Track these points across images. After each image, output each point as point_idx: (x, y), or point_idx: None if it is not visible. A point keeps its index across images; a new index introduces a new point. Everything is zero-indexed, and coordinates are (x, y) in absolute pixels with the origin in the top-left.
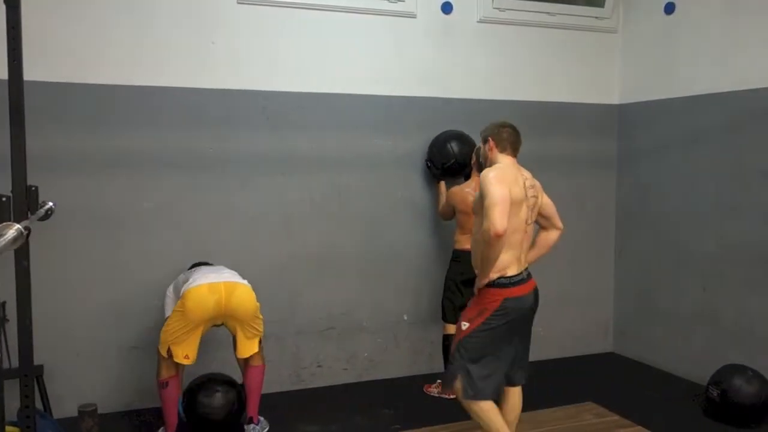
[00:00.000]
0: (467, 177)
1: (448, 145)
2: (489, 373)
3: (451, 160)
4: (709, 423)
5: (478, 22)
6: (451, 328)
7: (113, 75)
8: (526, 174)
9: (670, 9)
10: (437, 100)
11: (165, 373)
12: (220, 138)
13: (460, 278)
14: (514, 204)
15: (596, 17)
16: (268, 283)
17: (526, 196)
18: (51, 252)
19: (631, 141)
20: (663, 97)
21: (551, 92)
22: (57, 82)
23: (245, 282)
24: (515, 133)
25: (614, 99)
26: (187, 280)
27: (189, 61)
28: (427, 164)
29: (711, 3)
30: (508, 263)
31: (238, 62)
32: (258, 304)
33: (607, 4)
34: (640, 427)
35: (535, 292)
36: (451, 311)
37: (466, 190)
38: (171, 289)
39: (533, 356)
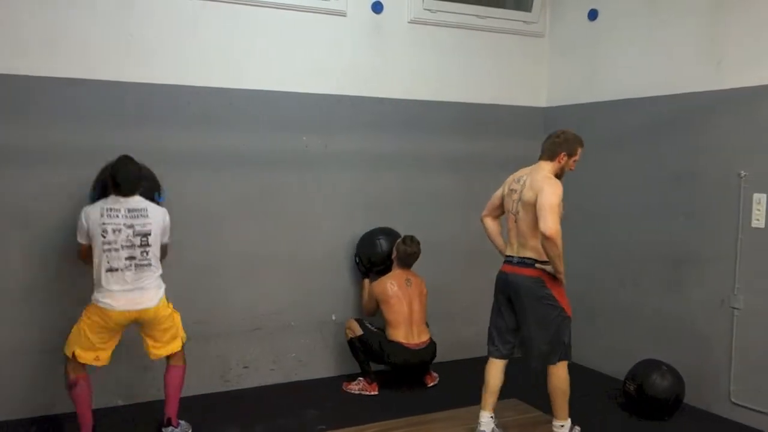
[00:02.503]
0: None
1: (378, 242)
2: (489, 334)
3: (379, 257)
4: (626, 416)
5: (408, 22)
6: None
7: (28, 67)
8: (526, 171)
9: (593, 15)
10: (368, 100)
11: (72, 373)
12: (141, 134)
13: (385, 353)
14: (505, 198)
15: (524, 21)
16: (193, 284)
17: (510, 191)
18: None
19: None
20: (587, 101)
21: (481, 94)
22: None
23: (158, 296)
24: (547, 138)
25: (542, 102)
26: (98, 272)
27: (107, 54)
28: (355, 260)
29: (632, 11)
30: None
31: (159, 56)
32: (173, 312)
33: (534, 8)
34: None
35: (518, 277)
36: (361, 350)
37: (387, 282)
38: (82, 217)
39: (462, 354)
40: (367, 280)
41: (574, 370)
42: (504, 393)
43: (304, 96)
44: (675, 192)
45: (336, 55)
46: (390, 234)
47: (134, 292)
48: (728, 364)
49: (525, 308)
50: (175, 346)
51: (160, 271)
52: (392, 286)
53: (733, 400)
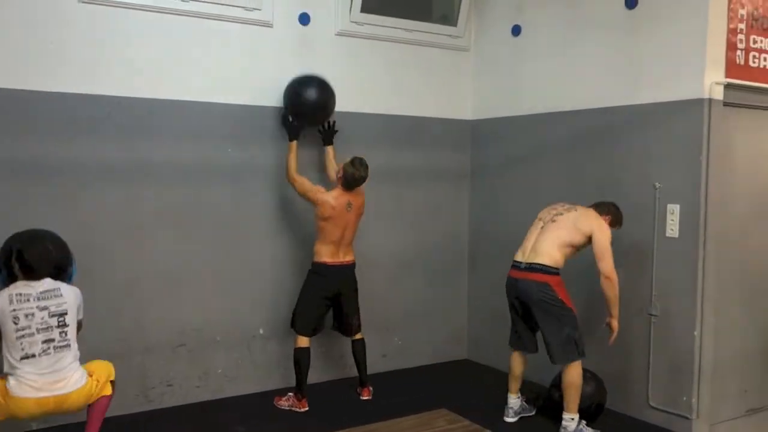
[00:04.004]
0: None
1: (304, 90)
2: (510, 331)
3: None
4: (550, 423)
5: (336, 34)
6: (303, 341)
7: None
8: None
9: (516, 31)
10: None
11: None
12: (60, 145)
13: (323, 293)
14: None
15: (450, 35)
16: (113, 300)
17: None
18: None
19: (482, 156)
20: (511, 114)
21: (409, 107)
22: None
23: (80, 379)
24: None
25: (468, 115)
26: (10, 355)
27: (24, 63)
28: (287, 119)
29: (554, 27)
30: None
31: (78, 65)
32: (95, 384)
33: (459, 23)
34: (488, 431)
35: (528, 282)
36: (304, 322)
37: (329, 197)
38: None
39: (391, 366)
40: (296, 143)
41: (505, 379)
42: (433, 403)
43: (229, 107)
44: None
45: (262, 66)
46: (314, 82)
47: (52, 375)
48: (646, 369)
49: (538, 312)
50: (106, 391)
51: (77, 352)
52: (332, 205)
53: (651, 404)
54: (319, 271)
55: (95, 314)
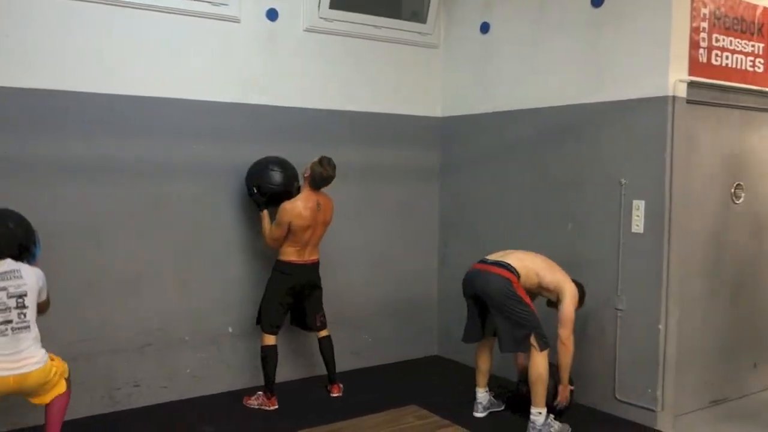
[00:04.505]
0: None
1: (271, 172)
2: (465, 326)
3: (279, 186)
4: (518, 418)
5: (304, 30)
6: (270, 339)
7: None
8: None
9: (485, 28)
10: (263, 108)
11: None
12: (18, 142)
13: (288, 291)
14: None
15: (419, 33)
16: (76, 300)
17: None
18: None
19: (452, 153)
20: (480, 111)
21: (378, 103)
22: None
23: (41, 359)
24: None
25: (437, 112)
26: None
27: None
28: (251, 192)
29: (522, 25)
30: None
31: (37, 60)
32: (55, 369)
33: (429, 20)
34: (457, 427)
35: (490, 274)
36: (270, 319)
37: (299, 204)
38: None
39: (361, 363)
40: (266, 212)
41: (471, 373)
42: (403, 400)
43: (195, 103)
44: (562, 199)
45: (229, 62)
46: (281, 162)
47: (12, 356)
48: (613, 363)
49: (495, 306)
50: (60, 389)
51: (38, 333)
52: (305, 209)
53: (617, 397)
54: (283, 270)
55: (58, 314)
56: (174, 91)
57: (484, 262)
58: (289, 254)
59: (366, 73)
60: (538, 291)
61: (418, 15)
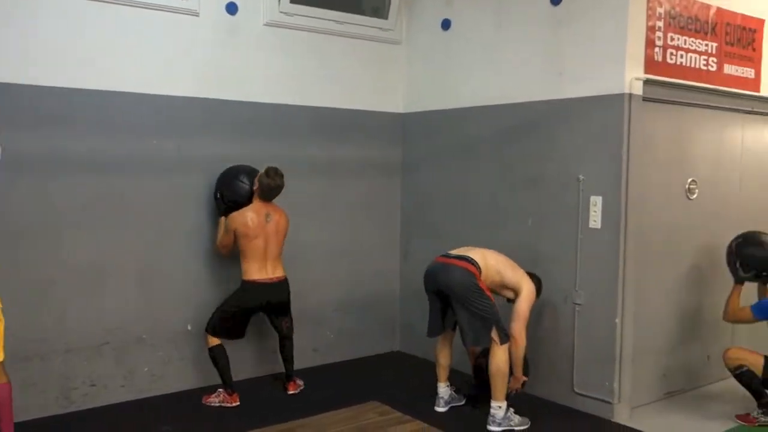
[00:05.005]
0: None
1: (239, 183)
2: (429, 315)
3: (242, 199)
4: (478, 412)
5: (264, 24)
6: (214, 340)
7: None
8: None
9: (446, 25)
10: (223, 102)
11: None
12: None
13: (246, 309)
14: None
15: (381, 28)
16: (29, 298)
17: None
18: None
19: (414, 149)
20: (442, 107)
21: (339, 99)
22: None
23: None
24: None
25: (399, 108)
26: None
27: None
28: (216, 196)
29: (482, 23)
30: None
31: None
32: None
33: (390, 16)
34: (418, 422)
35: (453, 267)
36: (218, 326)
37: (248, 214)
38: None
39: (323, 360)
40: (224, 218)
41: (432, 368)
42: (365, 396)
43: (153, 98)
44: (523, 195)
45: (188, 56)
46: (252, 173)
47: None
48: (571, 357)
49: (458, 299)
50: (2, 378)
51: None
52: (252, 219)
53: (576, 390)
54: (245, 288)
55: (11, 313)
56: (132, 85)
57: (447, 256)
58: (251, 272)
59: (328, 69)
60: (498, 289)
61: (380, 11)
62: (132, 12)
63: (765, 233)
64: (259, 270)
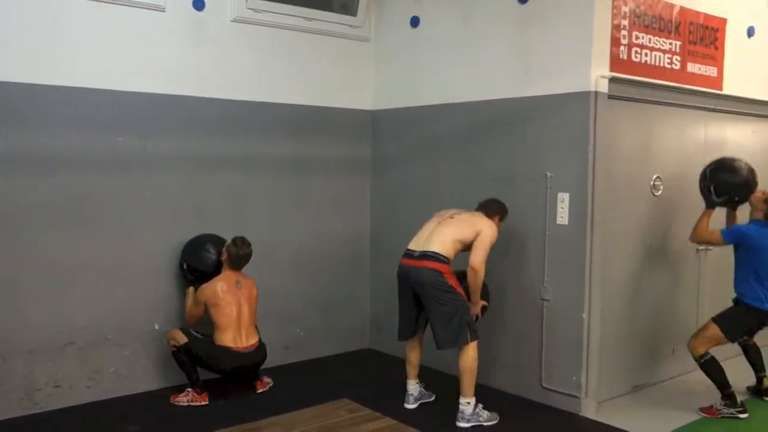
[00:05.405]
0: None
1: (207, 252)
2: (399, 322)
3: (209, 269)
4: (447, 409)
5: (232, 21)
6: (181, 338)
7: None
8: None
9: (415, 22)
10: (189, 99)
11: None
12: None
13: (216, 368)
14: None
15: (350, 25)
16: None
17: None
18: None
19: (383, 146)
20: (410, 104)
21: (308, 96)
22: None
23: None
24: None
25: (368, 105)
26: None
27: None
28: (182, 266)
29: (451, 20)
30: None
31: None
32: None
33: (359, 13)
34: (388, 419)
35: (420, 270)
36: (187, 360)
37: (218, 284)
38: None
39: (293, 358)
40: (192, 288)
41: (402, 365)
42: (335, 393)
43: (119, 94)
44: (492, 192)
45: (154, 52)
46: (218, 242)
47: None
48: (539, 352)
49: (430, 299)
50: None
51: None
52: (222, 288)
53: (544, 385)
54: (216, 356)
55: None
56: (96, 81)
57: (410, 256)
58: (226, 341)
59: (296, 66)
60: (468, 249)
61: (349, 8)
62: (97, 7)
63: (738, 159)
64: (233, 339)
